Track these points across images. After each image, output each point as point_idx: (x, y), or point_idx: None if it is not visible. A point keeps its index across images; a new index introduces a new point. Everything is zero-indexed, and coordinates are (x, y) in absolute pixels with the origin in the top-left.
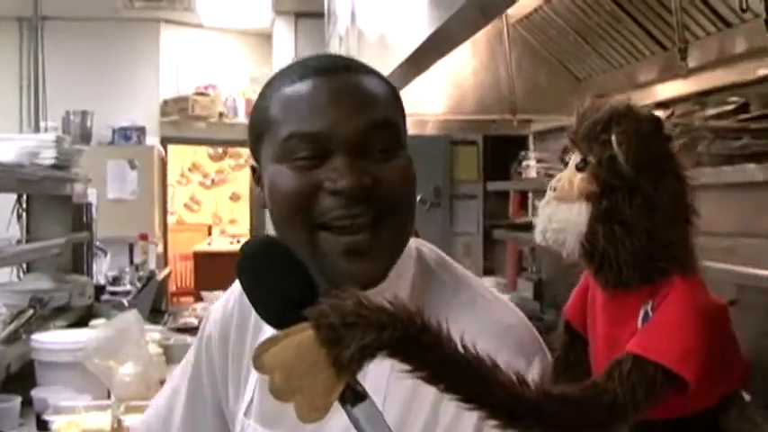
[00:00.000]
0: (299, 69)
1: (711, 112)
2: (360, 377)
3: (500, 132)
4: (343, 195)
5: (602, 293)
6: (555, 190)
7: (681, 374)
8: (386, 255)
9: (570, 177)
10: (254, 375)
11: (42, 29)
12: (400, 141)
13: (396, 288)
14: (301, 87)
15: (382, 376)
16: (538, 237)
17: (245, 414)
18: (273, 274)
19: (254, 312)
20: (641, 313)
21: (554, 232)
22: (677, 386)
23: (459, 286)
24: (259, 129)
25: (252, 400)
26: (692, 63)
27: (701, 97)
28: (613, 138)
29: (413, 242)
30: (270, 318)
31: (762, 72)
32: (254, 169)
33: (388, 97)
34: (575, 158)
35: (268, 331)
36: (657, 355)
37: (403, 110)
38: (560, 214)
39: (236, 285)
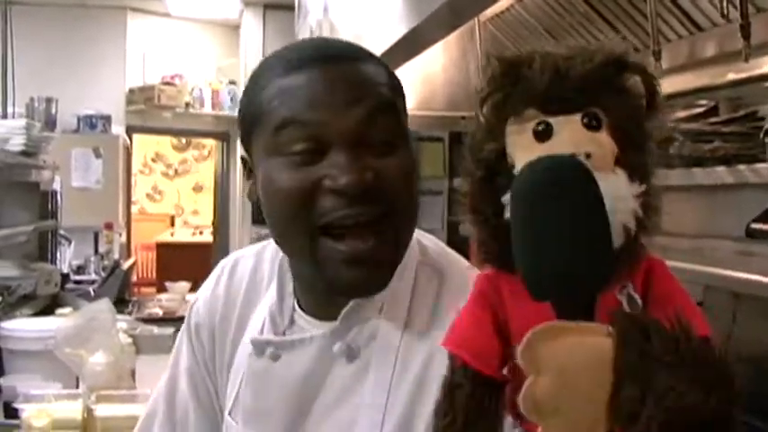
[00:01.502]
0: (292, 57)
1: (682, 114)
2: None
3: (468, 129)
4: (344, 194)
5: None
6: (589, 156)
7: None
8: (389, 260)
9: (591, 138)
10: (236, 370)
11: (10, 13)
12: (403, 132)
13: (397, 285)
14: (297, 76)
15: (386, 376)
16: None
17: (230, 413)
18: (587, 227)
19: (240, 301)
20: (623, 300)
21: (609, 210)
22: None
23: (460, 275)
24: (251, 120)
25: (236, 397)
26: (663, 65)
27: (672, 99)
28: (637, 78)
29: (414, 234)
30: (554, 288)
31: (732, 76)
32: (244, 161)
33: (390, 85)
34: (562, 121)
35: (252, 327)
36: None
37: (404, 99)
38: (605, 190)
39: (226, 267)
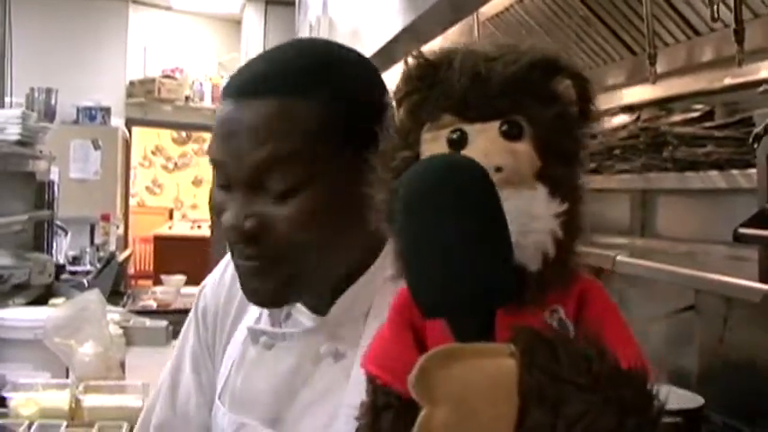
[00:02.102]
0: (227, 82)
1: (677, 118)
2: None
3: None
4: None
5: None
6: (499, 170)
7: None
8: (275, 292)
9: (507, 149)
10: (229, 355)
11: (10, 4)
12: (305, 177)
13: (384, 287)
14: (220, 107)
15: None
16: None
17: (219, 397)
18: (488, 233)
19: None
20: (554, 324)
21: (522, 236)
22: None
23: None
24: None
25: (226, 381)
26: (659, 69)
27: (668, 103)
28: (567, 84)
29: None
30: (445, 305)
31: (728, 81)
32: None
33: (303, 128)
34: (478, 128)
35: (250, 314)
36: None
37: (331, 136)
38: (517, 207)
39: None
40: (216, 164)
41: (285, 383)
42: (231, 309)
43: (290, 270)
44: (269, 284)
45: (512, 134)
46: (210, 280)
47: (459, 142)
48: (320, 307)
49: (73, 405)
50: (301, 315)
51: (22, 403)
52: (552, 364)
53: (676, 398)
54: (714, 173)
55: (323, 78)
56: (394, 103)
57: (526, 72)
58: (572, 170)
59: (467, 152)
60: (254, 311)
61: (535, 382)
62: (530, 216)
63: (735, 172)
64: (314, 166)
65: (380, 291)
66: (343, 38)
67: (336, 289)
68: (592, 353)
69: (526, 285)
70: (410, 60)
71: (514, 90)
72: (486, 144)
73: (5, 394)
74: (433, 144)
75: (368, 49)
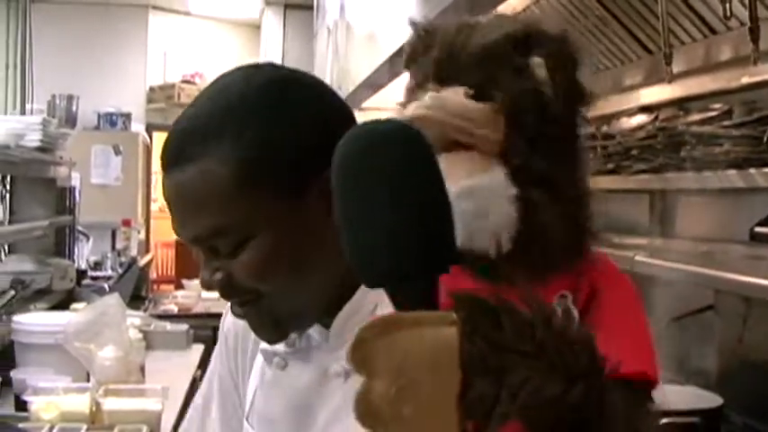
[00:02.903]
0: None
1: (695, 117)
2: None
3: None
4: None
5: (491, 293)
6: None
7: (655, 380)
8: (269, 330)
9: (464, 106)
10: (253, 376)
11: (31, 11)
12: (245, 233)
13: (363, 309)
14: None
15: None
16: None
17: (247, 418)
18: (414, 202)
19: None
20: (559, 310)
21: (474, 218)
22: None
23: None
24: None
25: (252, 402)
26: (677, 68)
27: (686, 103)
28: (538, 63)
29: None
30: (380, 272)
31: (746, 80)
32: None
33: (222, 191)
34: (450, 92)
35: None
36: (640, 367)
37: (257, 186)
38: (477, 185)
39: None
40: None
41: (301, 403)
42: (250, 333)
43: (275, 308)
44: (265, 326)
45: (477, 96)
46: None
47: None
48: (329, 322)
49: (93, 409)
50: (314, 331)
51: (43, 407)
52: (495, 331)
53: (696, 397)
54: (732, 172)
55: (222, 134)
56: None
57: (498, 45)
58: (540, 152)
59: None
60: None
61: (477, 351)
62: (486, 195)
63: (753, 171)
64: (251, 221)
65: (381, 301)
66: (360, 40)
67: (336, 305)
68: (537, 319)
69: (507, 268)
70: (411, 28)
71: (485, 62)
72: (451, 106)
73: (27, 398)
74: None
75: (385, 50)
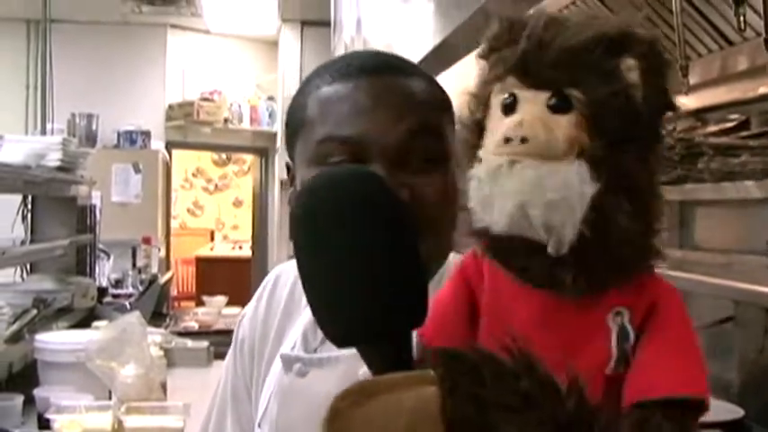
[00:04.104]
0: (340, 66)
1: (712, 128)
2: None
3: None
4: None
5: (539, 303)
6: (525, 141)
7: (706, 401)
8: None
9: (544, 122)
10: (268, 384)
11: (50, 32)
12: (446, 151)
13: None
14: (341, 87)
15: None
16: (502, 221)
17: (260, 424)
18: (377, 253)
19: (279, 316)
20: (613, 329)
21: (547, 208)
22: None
23: None
24: (294, 127)
25: (266, 409)
26: (693, 79)
27: (703, 114)
28: (630, 65)
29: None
30: (349, 332)
31: (763, 90)
32: (288, 167)
33: (436, 103)
34: (529, 96)
35: (287, 342)
36: (689, 389)
37: (453, 118)
38: (551, 180)
39: (269, 282)
40: (346, 139)
41: (322, 410)
42: (268, 339)
43: (433, 245)
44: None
45: (557, 107)
46: (248, 310)
47: (510, 106)
48: None
49: (115, 426)
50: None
51: (66, 425)
52: (476, 387)
53: (716, 409)
54: (750, 183)
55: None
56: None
57: (588, 45)
58: (625, 154)
59: (510, 119)
60: (290, 340)
61: (459, 411)
62: (556, 189)
63: None
64: (447, 143)
65: None
66: None
67: None
68: (519, 368)
69: (561, 265)
70: (494, 21)
71: (571, 62)
72: (524, 115)
73: (49, 416)
74: (494, 109)
75: None
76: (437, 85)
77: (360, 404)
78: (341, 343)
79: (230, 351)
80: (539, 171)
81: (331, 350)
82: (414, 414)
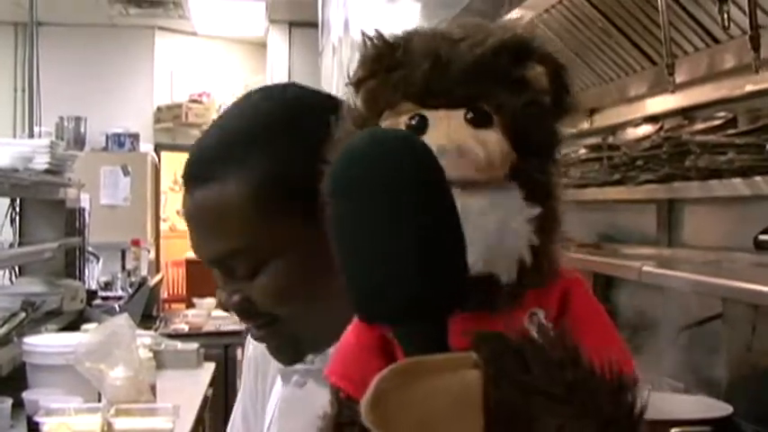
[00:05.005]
0: None
1: (699, 126)
2: None
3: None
4: None
5: (458, 320)
6: (466, 154)
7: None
8: (292, 344)
9: (474, 136)
10: (274, 395)
11: (38, 35)
12: (264, 256)
13: None
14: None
15: None
16: (476, 265)
17: None
18: (432, 217)
19: None
20: (532, 329)
21: (495, 239)
22: None
23: None
24: None
25: (271, 421)
26: (680, 78)
27: (690, 112)
28: (539, 71)
29: None
30: (386, 310)
31: (749, 88)
32: None
33: (244, 215)
34: (441, 116)
35: None
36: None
37: (276, 208)
38: (490, 210)
39: None
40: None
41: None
42: (269, 356)
43: (292, 332)
44: (282, 349)
45: (479, 121)
46: None
47: (418, 128)
48: None
49: (105, 428)
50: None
51: (55, 428)
52: (521, 373)
53: (705, 407)
54: (737, 180)
55: (244, 155)
56: (351, 90)
57: (493, 55)
58: (546, 166)
59: (427, 137)
60: None
61: (504, 397)
62: (503, 221)
63: (758, 179)
64: (269, 243)
65: None
66: None
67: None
68: (564, 358)
69: (498, 294)
70: (366, 42)
71: (480, 75)
72: (449, 128)
73: (38, 419)
74: None
75: None
76: (237, 184)
77: (403, 386)
78: (377, 320)
79: (243, 369)
80: (495, 198)
81: (326, 361)
82: (455, 398)
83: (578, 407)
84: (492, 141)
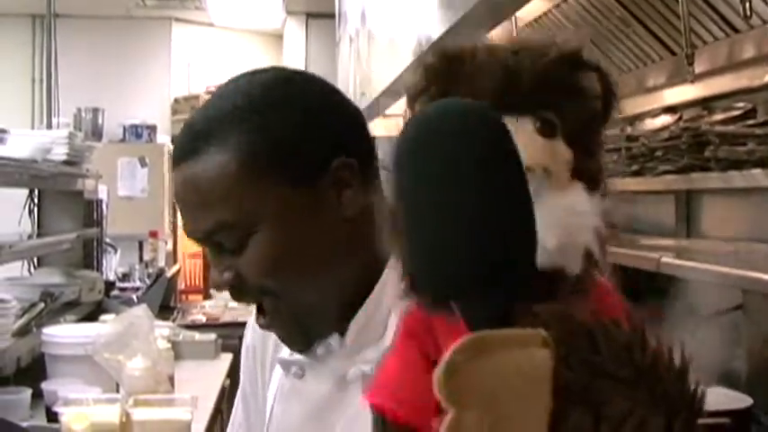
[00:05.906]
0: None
1: (718, 117)
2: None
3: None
4: None
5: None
6: (549, 171)
7: None
8: (288, 330)
9: (543, 149)
10: (272, 389)
11: (55, 26)
12: (249, 229)
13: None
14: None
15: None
16: (542, 256)
17: (267, 429)
18: (506, 192)
19: None
20: None
21: (565, 235)
22: None
23: None
24: None
25: (271, 413)
26: (700, 68)
27: (709, 102)
28: (593, 78)
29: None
30: (458, 279)
31: None
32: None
33: (226, 185)
34: (514, 124)
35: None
36: None
37: (261, 180)
38: (560, 205)
39: None
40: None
41: (318, 411)
42: (268, 346)
43: (292, 312)
44: (291, 333)
45: (547, 131)
46: (250, 318)
47: None
48: (343, 328)
49: (123, 419)
50: (332, 339)
51: (74, 418)
52: (591, 354)
53: (725, 398)
54: (757, 171)
55: (226, 129)
56: (405, 101)
57: (556, 65)
58: (599, 164)
59: None
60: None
61: (575, 378)
62: (575, 213)
63: None
64: (254, 213)
65: (394, 306)
66: (381, 48)
67: (350, 309)
68: (634, 341)
69: (563, 288)
70: (428, 56)
71: (546, 84)
72: (524, 141)
73: (57, 409)
74: None
75: (407, 56)
76: (222, 156)
77: (475, 359)
78: (445, 292)
79: (241, 359)
80: (559, 199)
81: (326, 349)
82: (525, 376)
83: (645, 392)
84: (561, 153)
